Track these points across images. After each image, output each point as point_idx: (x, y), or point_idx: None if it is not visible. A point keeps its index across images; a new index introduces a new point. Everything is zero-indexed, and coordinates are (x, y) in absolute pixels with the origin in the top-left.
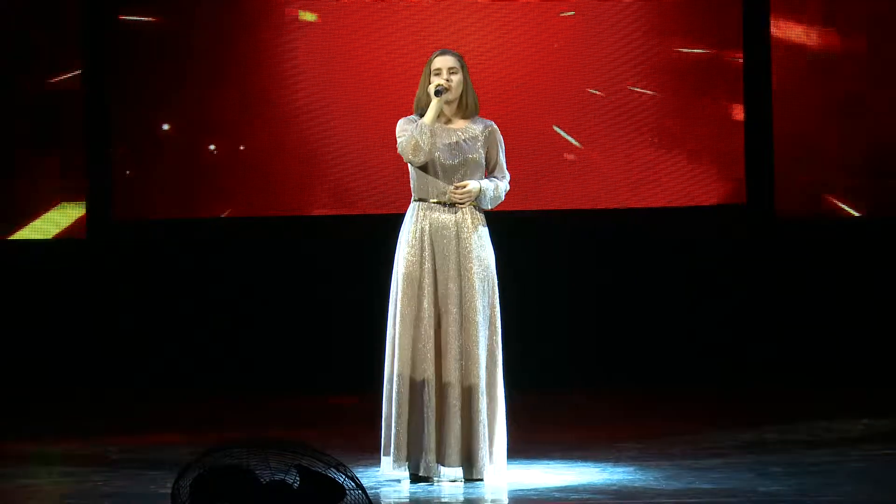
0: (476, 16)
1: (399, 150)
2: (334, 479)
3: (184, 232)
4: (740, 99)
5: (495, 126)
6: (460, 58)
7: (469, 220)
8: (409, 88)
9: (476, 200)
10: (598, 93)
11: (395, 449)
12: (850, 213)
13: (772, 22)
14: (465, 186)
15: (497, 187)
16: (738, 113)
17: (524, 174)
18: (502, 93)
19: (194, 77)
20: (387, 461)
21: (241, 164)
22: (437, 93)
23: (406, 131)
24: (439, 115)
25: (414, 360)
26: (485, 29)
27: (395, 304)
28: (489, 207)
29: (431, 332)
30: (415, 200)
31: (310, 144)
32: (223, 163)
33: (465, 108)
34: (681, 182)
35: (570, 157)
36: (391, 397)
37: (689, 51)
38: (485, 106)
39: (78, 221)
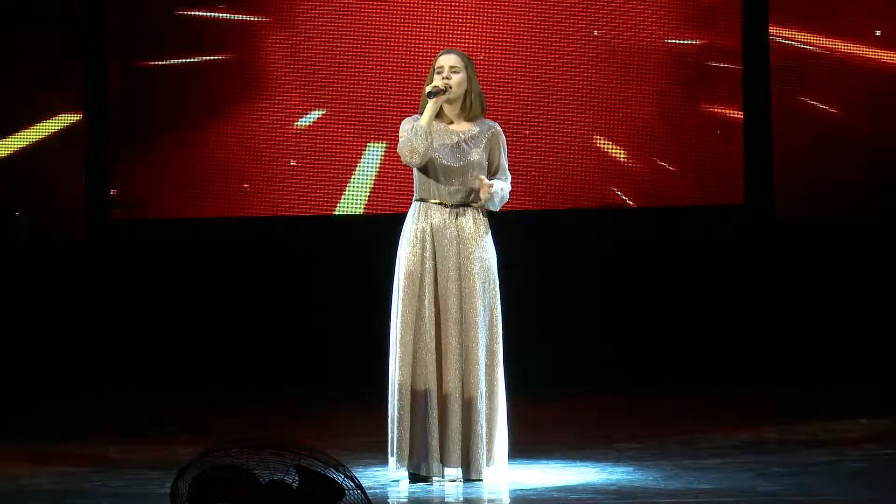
0: (477, 13)
1: (398, 150)
2: (333, 479)
3: (183, 232)
4: (739, 99)
5: (499, 128)
6: (465, 57)
7: (471, 221)
8: (410, 86)
9: (488, 200)
10: (597, 92)
11: (398, 449)
12: (849, 214)
13: (771, 21)
14: (491, 184)
15: (503, 189)
16: (737, 113)
17: (524, 174)
18: (501, 91)
19: (194, 76)
20: (392, 461)
21: (240, 163)
22: (430, 94)
23: (405, 133)
24: (441, 115)
25: (415, 360)
26: (485, 26)
27: (397, 304)
28: (498, 208)
29: (432, 332)
30: (416, 200)
31: (310, 144)
32: (223, 162)
33: (469, 108)
34: (680, 182)
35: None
36: (394, 398)
37: (689, 44)
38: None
39: (78, 221)
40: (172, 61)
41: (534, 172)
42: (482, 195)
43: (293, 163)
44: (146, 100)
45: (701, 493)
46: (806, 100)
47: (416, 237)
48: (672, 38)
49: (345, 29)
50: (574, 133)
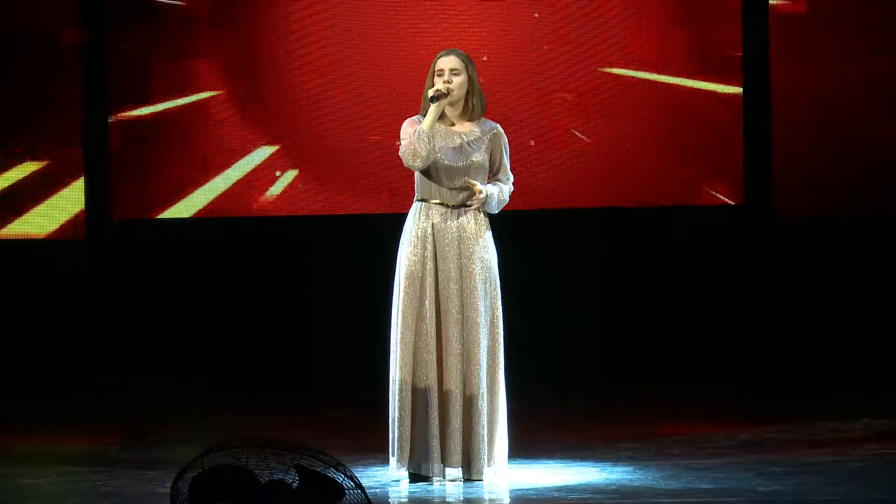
0: (477, 11)
1: (400, 154)
2: (333, 478)
3: (183, 232)
4: (739, 98)
5: (500, 129)
6: (466, 58)
7: (472, 222)
8: (410, 86)
9: (483, 205)
10: (597, 92)
11: (398, 449)
12: (849, 213)
13: (771, 18)
14: (482, 192)
15: (501, 191)
16: (738, 112)
17: (524, 174)
18: (501, 91)
19: (194, 76)
20: (393, 461)
21: (240, 163)
22: (434, 99)
23: (407, 136)
24: (443, 116)
25: (416, 361)
26: (485, 25)
27: (398, 305)
28: (496, 211)
29: (433, 332)
30: (417, 200)
31: (309, 143)
32: (223, 163)
33: (471, 110)
34: (680, 182)
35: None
36: (395, 398)
37: (689, 46)
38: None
39: (78, 221)
40: (171, 60)
41: (534, 171)
42: (475, 201)
43: (278, 174)
44: (145, 100)
45: (701, 493)
46: (806, 99)
47: (417, 237)
48: (673, 41)
49: (345, 28)
50: (574, 133)
